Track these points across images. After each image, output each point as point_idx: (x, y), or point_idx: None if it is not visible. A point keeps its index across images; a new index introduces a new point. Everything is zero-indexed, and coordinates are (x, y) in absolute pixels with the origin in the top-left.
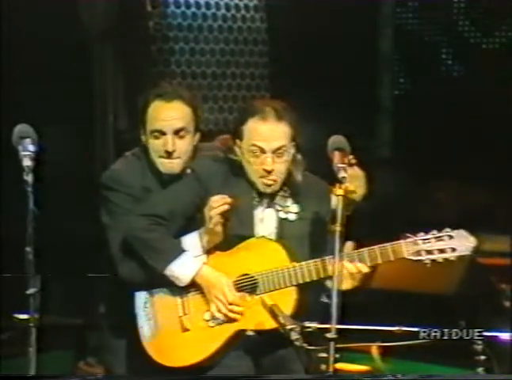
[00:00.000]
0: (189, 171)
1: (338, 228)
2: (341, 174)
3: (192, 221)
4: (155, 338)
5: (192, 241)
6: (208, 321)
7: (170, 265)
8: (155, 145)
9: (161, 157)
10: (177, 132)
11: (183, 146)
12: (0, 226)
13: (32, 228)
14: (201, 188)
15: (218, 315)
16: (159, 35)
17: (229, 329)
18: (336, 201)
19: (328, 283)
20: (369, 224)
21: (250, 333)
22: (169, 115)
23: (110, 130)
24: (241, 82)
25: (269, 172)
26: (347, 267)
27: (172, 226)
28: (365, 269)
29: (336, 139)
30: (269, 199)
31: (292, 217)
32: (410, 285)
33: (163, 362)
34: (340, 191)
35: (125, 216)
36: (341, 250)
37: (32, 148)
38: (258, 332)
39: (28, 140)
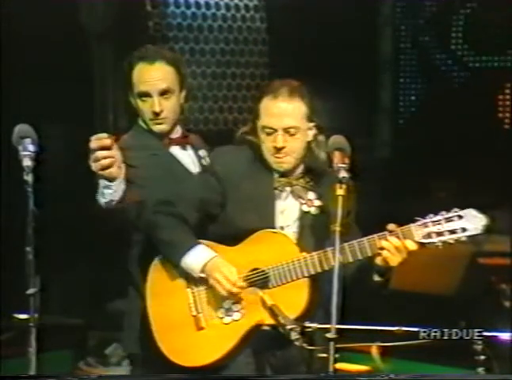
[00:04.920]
0: (205, 163)
1: (337, 228)
2: (342, 174)
3: (213, 218)
4: (170, 338)
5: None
6: (221, 318)
7: (184, 258)
8: (143, 107)
9: (151, 119)
10: (162, 93)
11: (169, 106)
12: (0, 226)
13: (32, 228)
14: (219, 184)
15: (222, 292)
16: (159, 35)
17: (244, 325)
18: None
19: (377, 260)
20: (368, 224)
21: (266, 328)
22: (152, 77)
23: (110, 130)
24: (241, 82)
25: (279, 150)
26: (394, 243)
27: (190, 222)
28: (413, 246)
29: (336, 139)
30: (291, 188)
31: (314, 210)
32: (410, 285)
33: (179, 362)
34: (340, 191)
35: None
36: (340, 250)
37: (32, 148)
38: (274, 327)
39: (28, 140)
